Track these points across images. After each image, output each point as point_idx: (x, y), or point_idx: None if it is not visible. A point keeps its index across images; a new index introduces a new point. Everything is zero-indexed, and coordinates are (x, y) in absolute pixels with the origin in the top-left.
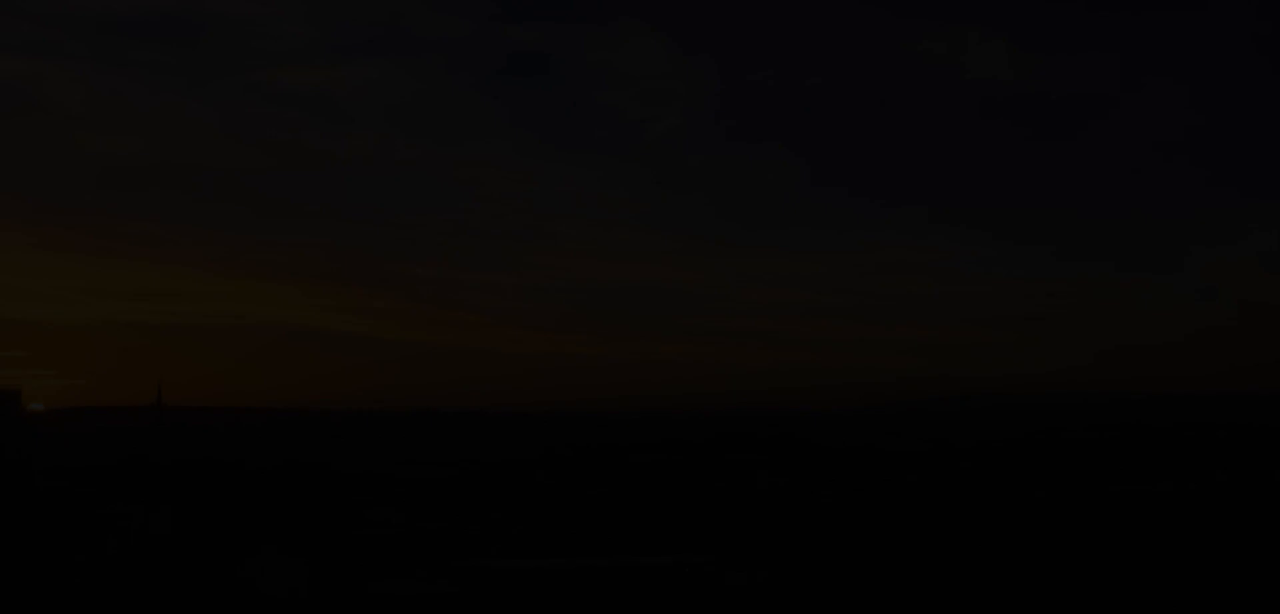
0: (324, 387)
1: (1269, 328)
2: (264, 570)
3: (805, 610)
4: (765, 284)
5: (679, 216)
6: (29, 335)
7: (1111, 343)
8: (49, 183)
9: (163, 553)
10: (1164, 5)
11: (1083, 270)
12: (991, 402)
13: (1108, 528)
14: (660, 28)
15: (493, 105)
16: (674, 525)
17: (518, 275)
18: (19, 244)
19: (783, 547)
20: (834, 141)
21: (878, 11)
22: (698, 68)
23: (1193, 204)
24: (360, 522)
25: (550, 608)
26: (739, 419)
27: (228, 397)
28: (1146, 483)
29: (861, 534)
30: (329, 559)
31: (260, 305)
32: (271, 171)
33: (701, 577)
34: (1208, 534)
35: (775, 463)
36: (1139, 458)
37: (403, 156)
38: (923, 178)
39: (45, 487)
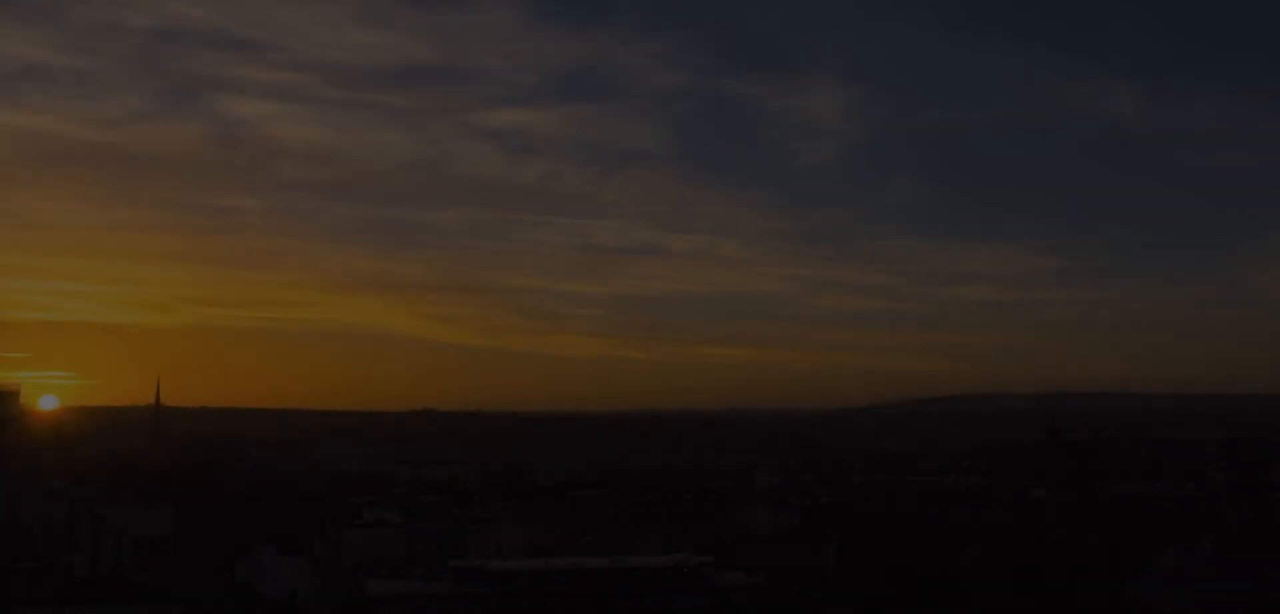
0: (364, 389)
1: None
2: (264, 570)
3: (802, 609)
4: (849, 293)
5: (800, 237)
6: (75, 335)
7: (1207, 350)
8: (240, 206)
9: (163, 553)
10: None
11: (1179, 285)
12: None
13: None
14: (840, 75)
15: (667, 141)
16: (674, 525)
17: (602, 287)
18: (166, 256)
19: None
20: (963, 173)
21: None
22: (859, 107)
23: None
24: (360, 522)
25: (549, 608)
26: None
27: (296, 400)
28: None
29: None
30: (329, 559)
31: (363, 315)
32: (444, 195)
33: (701, 577)
34: None
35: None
36: None
37: (568, 183)
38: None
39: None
